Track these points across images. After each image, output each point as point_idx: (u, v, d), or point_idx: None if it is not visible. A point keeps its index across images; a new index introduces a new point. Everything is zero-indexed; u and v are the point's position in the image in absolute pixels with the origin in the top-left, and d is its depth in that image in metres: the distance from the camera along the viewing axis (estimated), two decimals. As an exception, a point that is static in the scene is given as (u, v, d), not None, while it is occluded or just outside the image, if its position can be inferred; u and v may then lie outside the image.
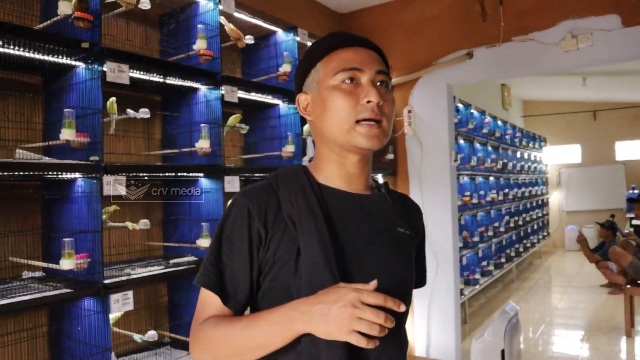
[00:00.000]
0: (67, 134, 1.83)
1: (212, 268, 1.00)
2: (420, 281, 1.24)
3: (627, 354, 4.51)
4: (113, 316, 2.10)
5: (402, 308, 0.86)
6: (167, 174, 2.38)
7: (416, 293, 4.05)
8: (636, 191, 9.35)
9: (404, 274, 1.07)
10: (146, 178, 2.33)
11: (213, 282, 0.99)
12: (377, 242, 1.04)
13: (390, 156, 4.11)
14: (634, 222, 6.54)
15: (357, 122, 1.00)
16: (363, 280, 0.92)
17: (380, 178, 1.17)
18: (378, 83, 1.04)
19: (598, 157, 10.50)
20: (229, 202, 1.05)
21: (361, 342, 0.82)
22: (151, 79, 2.31)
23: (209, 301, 1.00)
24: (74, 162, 1.87)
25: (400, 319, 1.02)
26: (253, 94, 2.81)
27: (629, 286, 5.03)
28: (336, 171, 1.07)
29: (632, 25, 3.24)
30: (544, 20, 3.54)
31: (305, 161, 3.08)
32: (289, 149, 2.87)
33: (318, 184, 1.06)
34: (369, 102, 1.00)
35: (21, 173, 1.79)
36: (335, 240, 0.98)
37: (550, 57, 3.54)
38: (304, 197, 1.01)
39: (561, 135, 10.81)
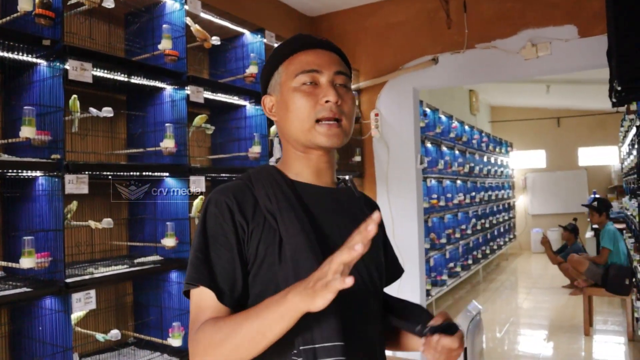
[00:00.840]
0: (27, 132, 1.81)
1: (202, 265, 0.97)
2: (397, 271, 1.28)
3: (585, 352, 4.66)
4: (75, 315, 2.08)
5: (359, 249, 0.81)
6: (132, 173, 2.37)
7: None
8: (597, 195, 9.63)
9: (378, 263, 1.12)
10: (110, 177, 2.32)
11: (207, 278, 0.96)
12: (351, 232, 0.97)
13: (358, 158, 4.16)
14: (594, 225, 6.73)
15: (317, 121, 1.04)
16: (356, 268, 0.98)
17: (347, 177, 1.21)
18: (337, 84, 1.08)
19: (562, 163, 10.79)
20: (205, 200, 1.04)
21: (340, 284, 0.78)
22: (115, 77, 2.30)
23: (203, 303, 0.96)
24: (34, 160, 1.86)
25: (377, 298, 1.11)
26: (220, 94, 2.83)
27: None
28: (305, 167, 1.10)
29: (588, 36, 3.38)
30: (506, 28, 3.65)
31: (272, 162, 3.11)
32: (256, 149, 2.89)
33: (290, 179, 1.09)
34: (327, 101, 1.04)
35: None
36: (317, 229, 1.01)
37: (511, 65, 3.64)
38: (280, 191, 1.03)
39: (527, 141, 11.07)
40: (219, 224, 0.99)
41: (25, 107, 1.83)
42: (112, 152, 2.49)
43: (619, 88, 2.50)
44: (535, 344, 4.96)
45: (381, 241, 1.20)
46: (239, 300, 0.98)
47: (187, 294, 1.01)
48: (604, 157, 10.44)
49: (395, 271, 1.28)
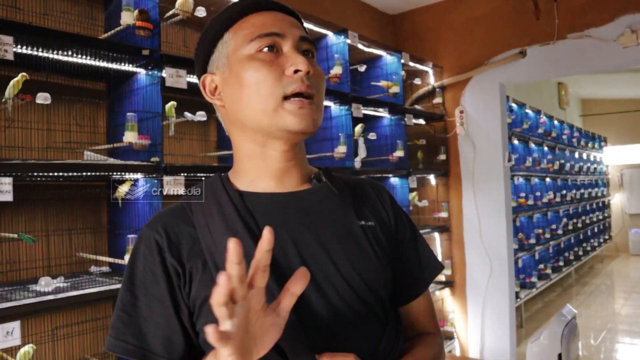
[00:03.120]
0: (130, 137, 1.94)
1: (127, 327, 0.77)
2: (429, 271, 0.96)
3: (696, 362, 4.30)
4: None
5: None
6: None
7: (469, 295, 4.00)
8: None
9: (369, 279, 0.83)
10: (203, 178, 2.43)
11: (132, 345, 0.76)
12: (324, 249, 0.81)
13: (443, 157, 4.09)
14: None
15: (285, 98, 0.79)
16: (320, 303, 0.77)
17: (321, 170, 0.91)
18: (303, 51, 0.84)
19: (664, 157, 10.01)
20: (138, 236, 0.84)
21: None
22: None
23: None
24: (136, 163, 1.99)
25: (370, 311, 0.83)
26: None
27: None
28: (262, 169, 0.86)
29: (696, 18, 3.11)
30: (601, 15, 3.44)
31: (357, 162, 3.12)
32: (341, 149, 2.91)
33: (239, 192, 0.85)
34: (296, 71, 0.80)
35: (90, 174, 1.91)
36: (273, 263, 0.70)
37: (608, 54, 3.43)
38: (221, 217, 0.81)
39: (623, 135, 10.36)
40: (149, 268, 0.79)
41: (128, 114, 1.96)
42: (206, 155, 2.61)
43: None
44: (637, 354, 4.64)
45: (382, 236, 0.89)
46: (182, 357, 0.78)
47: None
48: None
49: (423, 274, 0.96)
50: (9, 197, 1.58)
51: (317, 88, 0.82)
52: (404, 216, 0.97)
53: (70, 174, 1.87)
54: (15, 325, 1.59)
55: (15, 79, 1.74)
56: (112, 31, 2.04)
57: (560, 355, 3.11)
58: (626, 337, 5.12)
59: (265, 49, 0.81)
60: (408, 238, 0.95)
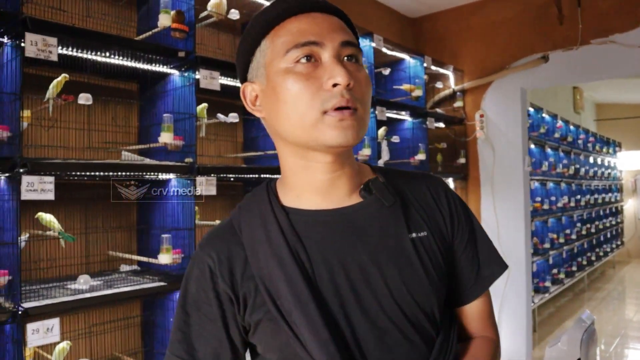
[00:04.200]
0: (166, 137, 1.97)
1: (180, 344, 0.82)
2: (490, 271, 0.92)
3: None
4: None
5: None
6: (249, 175, 2.49)
7: (486, 299, 4.01)
8: None
9: (421, 299, 0.81)
10: (232, 179, 2.46)
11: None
12: (376, 268, 0.80)
13: (462, 160, 4.09)
14: None
15: (324, 113, 0.75)
16: (366, 326, 0.77)
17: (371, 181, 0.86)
18: (345, 58, 0.78)
19: (678, 164, 9.95)
20: (192, 256, 0.87)
21: None
22: (237, 85, 2.43)
23: None
24: (171, 163, 2.01)
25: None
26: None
27: None
28: (306, 183, 0.82)
29: None
30: (626, 21, 3.43)
31: (380, 163, 3.13)
32: (365, 152, 2.93)
33: (285, 209, 0.83)
34: (335, 85, 0.74)
35: (127, 173, 1.94)
36: (317, 290, 0.77)
37: (632, 60, 3.42)
38: (267, 240, 0.80)
39: (637, 140, 10.31)
40: (202, 289, 0.81)
41: (165, 115, 1.98)
42: (236, 156, 2.64)
43: None
44: (652, 360, 4.62)
45: (435, 246, 0.86)
46: None
47: None
48: None
49: (482, 274, 0.92)
50: (51, 196, 1.61)
51: (360, 99, 0.77)
52: (461, 214, 0.91)
53: (109, 173, 1.89)
54: (55, 322, 1.62)
55: (57, 79, 1.77)
56: (149, 33, 2.06)
57: (579, 362, 3.12)
58: (638, 344, 5.11)
59: (303, 60, 0.76)
60: (467, 239, 0.91)
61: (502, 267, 0.94)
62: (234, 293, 0.79)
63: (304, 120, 0.75)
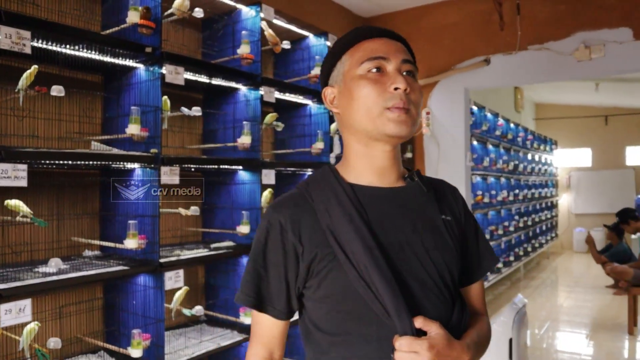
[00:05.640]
0: (133, 129, 2.07)
1: (248, 284, 1.04)
2: (488, 262, 1.16)
3: (629, 351, 4.71)
4: (177, 295, 2.37)
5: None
6: (210, 166, 2.61)
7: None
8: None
9: (451, 263, 1.04)
10: (193, 169, 2.57)
11: (249, 298, 1.03)
12: (418, 235, 1.02)
13: (409, 155, 4.33)
14: (633, 236, 6.73)
15: (386, 109, 0.98)
16: (412, 276, 0.98)
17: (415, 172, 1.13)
18: (404, 72, 1.02)
19: (608, 162, 10.63)
20: (263, 216, 1.07)
21: None
22: (199, 79, 2.54)
23: (259, 318, 1.06)
24: (138, 153, 2.11)
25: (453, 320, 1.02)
26: (287, 94, 3.04)
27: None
28: (367, 167, 1.05)
29: (642, 39, 3.45)
30: (559, 30, 3.74)
31: (332, 157, 3.31)
32: (319, 145, 3.09)
33: (350, 184, 1.04)
34: (396, 89, 0.98)
35: (96, 163, 2.03)
36: (379, 242, 0.98)
37: (564, 66, 3.74)
38: (338, 203, 1.01)
39: (572, 139, 10.95)
40: (270, 242, 1.02)
41: (132, 107, 2.08)
42: (198, 147, 2.75)
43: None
44: (577, 343, 5.02)
45: (456, 229, 1.10)
46: (288, 310, 1.04)
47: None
48: (655, 157, 10.25)
49: (483, 262, 1.16)
50: (24, 183, 1.69)
51: (413, 102, 1.00)
52: (470, 215, 1.17)
53: (79, 162, 1.98)
54: (27, 303, 1.71)
55: (29, 71, 1.83)
56: (117, 28, 2.15)
57: (511, 340, 3.40)
58: (567, 327, 5.52)
59: (374, 70, 1.01)
60: (472, 233, 1.16)
61: (496, 260, 1.20)
62: (301, 245, 0.99)
63: (370, 112, 0.99)
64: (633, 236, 7.77)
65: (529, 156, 8.56)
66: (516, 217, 7.44)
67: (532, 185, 8.59)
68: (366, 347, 0.97)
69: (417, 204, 1.06)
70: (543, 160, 9.57)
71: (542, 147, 9.36)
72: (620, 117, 10.43)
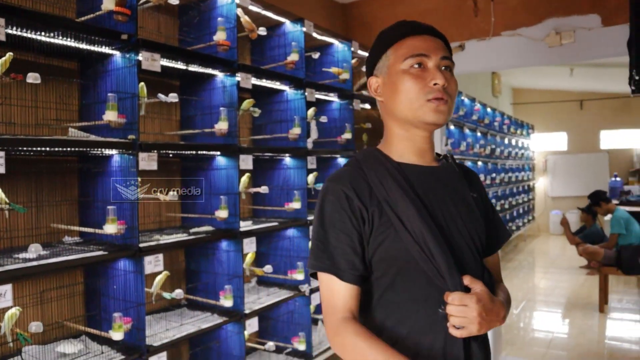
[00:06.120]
0: (111, 115, 2.08)
1: (322, 253, 1.11)
2: (503, 235, 1.35)
3: (599, 327, 4.89)
4: (157, 279, 2.41)
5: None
6: (187, 152, 2.64)
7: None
8: (618, 179, 9.72)
9: (481, 234, 1.20)
10: (171, 155, 2.60)
11: (326, 265, 1.11)
12: (455, 208, 1.17)
13: (386, 140, 4.38)
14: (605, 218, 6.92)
15: (427, 101, 1.13)
16: (455, 242, 1.13)
17: (448, 154, 1.32)
18: (443, 67, 1.16)
19: (583, 145, 10.86)
20: (322, 189, 1.16)
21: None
22: (175, 66, 2.56)
23: (333, 286, 1.11)
24: (115, 140, 2.14)
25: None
26: (264, 80, 3.07)
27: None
28: (408, 148, 1.20)
29: (611, 25, 3.54)
30: (531, 17, 3.82)
31: (309, 142, 3.35)
32: (295, 131, 3.14)
33: (396, 162, 1.18)
34: (435, 84, 1.12)
35: (74, 149, 2.05)
36: (428, 211, 1.12)
37: (536, 52, 3.82)
38: (390, 177, 1.14)
39: (548, 123, 11.14)
40: (337, 211, 1.11)
41: (109, 94, 2.10)
42: (177, 133, 2.78)
43: (637, 77, 2.69)
44: (551, 321, 5.19)
45: (481, 205, 1.27)
46: (361, 275, 1.13)
47: (313, 275, 1.18)
48: (627, 140, 10.50)
49: (500, 236, 1.34)
50: (2, 170, 1.71)
51: (450, 95, 1.15)
52: (487, 195, 1.36)
53: (57, 149, 2.00)
54: (7, 288, 1.74)
55: (3, 58, 1.84)
56: (92, 15, 2.15)
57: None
58: (543, 307, 5.70)
59: (415, 66, 1.14)
60: (491, 211, 1.34)
61: (509, 234, 1.39)
62: (367, 211, 1.11)
63: (413, 104, 1.14)
64: (605, 218, 7.98)
65: (506, 140, 8.71)
66: (493, 201, 7.57)
67: (509, 169, 8.75)
68: (416, 305, 1.10)
69: (451, 182, 1.22)
70: (520, 145, 9.74)
71: (519, 131, 9.52)
72: (594, 102, 10.65)
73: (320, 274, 1.14)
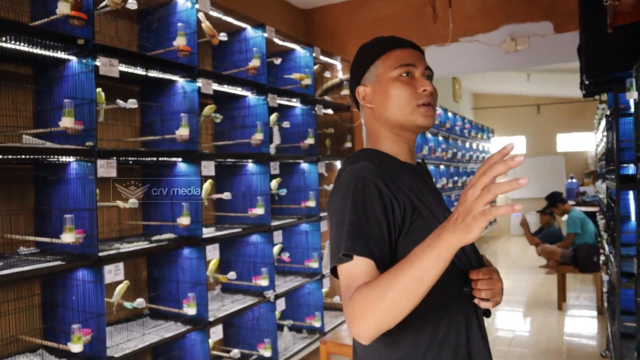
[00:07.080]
0: (67, 122, 2.04)
1: (358, 237, 1.06)
2: None
3: (557, 324, 5.03)
4: (118, 289, 2.36)
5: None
6: (148, 159, 2.60)
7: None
8: (574, 180, 10.04)
9: None
10: (131, 162, 2.56)
11: (364, 248, 1.05)
12: (440, 204, 1.23)
13: (349, 144, 4.42)
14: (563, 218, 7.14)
15: (418, 106, 1.21)
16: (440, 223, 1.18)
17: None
18: (426, 77, 1.25)
19: (541, 148, 11.18)
20: (348, 179, 1.16)
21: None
22: (135, 72, 2.52)
23: (356, 271, 1.04)
24: (72, 147, 2.09)
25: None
26: (225, 86, 3.06)
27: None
28: (400, 148, 1.27)
29: (562, 32, 3.67)
30: (488, 23, 3.93)
31: (272, 148, 3.35)
32: (258, 136, 3.13)
33: (399, 159, 1.26)
34: (424, 90, 1.22)
35: (29, 157, 2.00)
36: (421, 203, 1.19)
37: (493, 57, 3.92)
38: (403, 169, 1.21)
39: (508, 127, 11.43)
40: (368, 200, 1.12)
41: (65, 100, 2.06)
42: (137, 139, 2.73)
43: (587, 82, 2.79)
44: (513, 320, 5.31)
45: None
46: (387, 258, 1.09)
47: (333, 272, 1.11)
48: (582, 143, 10.86)
49: None
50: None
51: (434, 100, 1.25)
52: None
53: (10, 156, 1.94)
54: (-41, 300, 1.68)
55: (-47, 64, 1.79)
56: (46, 19, 2.11)
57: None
58: (505, 306, 5.82)
59: (404, 74, 1.22)
60: None
61: None
62: (396, 198, 1.14)
63: (404, 109, 1.22)
64: (562, 218, 8.22)
65: (467, 144, 8.88)
66: (455, 204, 7.70)
67: (470, 172, 8.92)
68: (441, 289, 1.06)
69: (430, 180, 1.32)
70: (481, 148, 9.94)
71: (479, 135, 9.72)
72: (550, 106, 10.98)
73: (344, 264, 1.06)
